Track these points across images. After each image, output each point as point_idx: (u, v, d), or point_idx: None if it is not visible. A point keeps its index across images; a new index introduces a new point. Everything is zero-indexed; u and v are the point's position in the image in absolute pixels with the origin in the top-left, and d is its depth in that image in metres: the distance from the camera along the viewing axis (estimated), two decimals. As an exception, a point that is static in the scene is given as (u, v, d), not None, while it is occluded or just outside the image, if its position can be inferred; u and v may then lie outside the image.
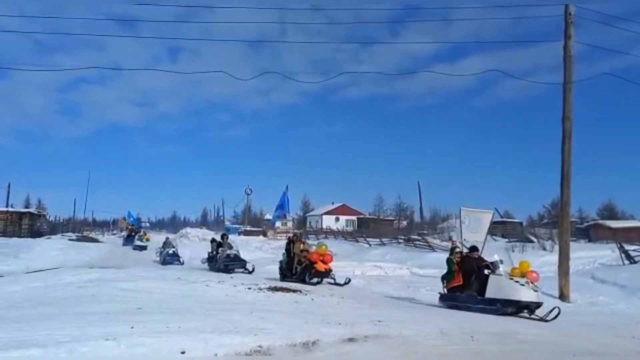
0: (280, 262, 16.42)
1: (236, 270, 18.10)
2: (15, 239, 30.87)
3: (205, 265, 20.04)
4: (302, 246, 15.80)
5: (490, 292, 10.59)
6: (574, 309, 12.44)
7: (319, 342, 5.63)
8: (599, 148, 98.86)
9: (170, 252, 25.72)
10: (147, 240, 36.06)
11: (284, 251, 16.59)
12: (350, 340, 5.90)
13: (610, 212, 54.54)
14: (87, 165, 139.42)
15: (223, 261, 18.52)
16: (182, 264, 24.21)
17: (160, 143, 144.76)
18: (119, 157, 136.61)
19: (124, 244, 38.92)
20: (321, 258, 14.61)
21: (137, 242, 35.68)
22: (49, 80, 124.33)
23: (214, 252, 19.66)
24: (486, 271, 11.08)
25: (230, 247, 19.25)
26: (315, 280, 14.60)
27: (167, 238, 31.32)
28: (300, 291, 11.51)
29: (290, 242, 16.41)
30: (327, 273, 14.65)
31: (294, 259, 15.52)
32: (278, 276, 15.84)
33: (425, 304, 12.27)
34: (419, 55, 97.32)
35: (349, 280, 15.28)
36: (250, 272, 17.83)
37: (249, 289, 11.19)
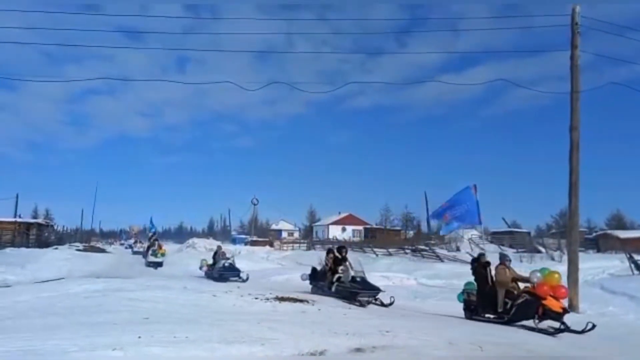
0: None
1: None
2: (23, 249, 31.00)
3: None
4: None
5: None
6: (583, 320, 12.25)
7: (327, 352, 5.60)
8: (607, 158, 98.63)
9: (227, 264, 20.39)
10: (163, 254, 30.16)
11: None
12: (358, 350, 5.86)
13: (618, 222, 54.26)
14: (94, 176, 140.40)
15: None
16: (245, 280, 19.34)
17: (167, 153, 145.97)
18: (126, 168, 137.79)
19: (144, 257, 32.67)
20: (552, 292, 9.96)
21: (151, 258, 29.25)
22: (58, 91, 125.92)
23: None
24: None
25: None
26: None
27: (220, 247, 25.06)
28: (307, 301, 11.45)
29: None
30: (562, 315, 9.79)
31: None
32: (285, 287, 15.80)
33: (433, 314, 12.17)
34: (426, 65, 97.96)
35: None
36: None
37: (256, 299, 11.15)
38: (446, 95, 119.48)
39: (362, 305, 12.54)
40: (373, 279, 20.51)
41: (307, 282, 15.59)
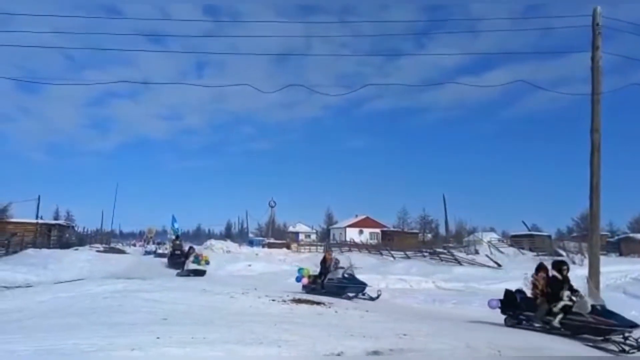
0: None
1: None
2: (44, 250, 31.41)
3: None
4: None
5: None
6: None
7: (343, 354, 5.58)
8: (630, 160, 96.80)
9: (346, 274, 16.02)
10: (207, 262, 24.76)
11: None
12: (375, 353, 5.82)
13: (641, 226, 53.26)
14: (114, 178, 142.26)
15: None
16: (375, 298, 15.31)
17: (185, 156, 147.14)
18: (146, 170, 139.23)
19: (169, 266, 29.02)
20: None
21: (193, 265, 23.50)
22: (79, 94, 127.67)
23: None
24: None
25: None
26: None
27: (329, 252, 20.56)
28: (323, 304, 11.45)
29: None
30: None
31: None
32: (300, 289, 15.92)
33: (452, 317, 12.07)
34: (445, 67, 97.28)
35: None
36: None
37: (273, 300, 11.18)
38: (465, 97, 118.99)
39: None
40: (390, 281, 20.51)
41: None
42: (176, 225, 41.53)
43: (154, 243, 52.25)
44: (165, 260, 32.93)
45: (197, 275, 22.44)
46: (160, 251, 40.93)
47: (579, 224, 50.79)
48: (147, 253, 44.42)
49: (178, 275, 23.26)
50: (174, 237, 38.37)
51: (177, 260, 27.77)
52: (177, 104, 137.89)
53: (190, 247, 28.20)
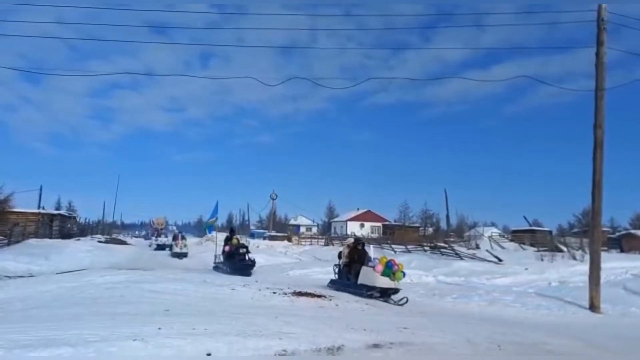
0: None
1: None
2: (46, 240, 31.52)
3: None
4: None
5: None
6: (604, 320, 12.14)
7: (344, 347, 5.61)
8: (632, 156, 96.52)
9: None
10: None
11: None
12: (375, 346, 5.86)
13: (642, 222, 53.20)
14: (116, 170, 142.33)
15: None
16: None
17: (188, 148, 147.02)
18: (148, 162, 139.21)
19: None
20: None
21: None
22: (82, 85, 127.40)
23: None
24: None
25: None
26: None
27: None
28: (324, 296, 11.49)
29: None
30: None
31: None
32: (302, 281, 15.89)
33: (452, 312, 12.11)
34: (450, 61, 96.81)
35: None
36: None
37: (274, 293, 11.22)
38: (469, 92, 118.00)
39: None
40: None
41: (323, 277, 16.73)
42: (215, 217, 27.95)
43: (165, 236, 46.63)
44: (181, 260, 28.59)
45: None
46: (178, 250, 31.52)
47: (581, 219, 50.75)
48: (159, 247, 39.27)
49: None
50: (209, 232, 29.23)
51: (243, 263, 19.51)
52: (180, 95, 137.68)
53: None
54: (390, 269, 12.52)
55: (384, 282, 12.52)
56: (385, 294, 12.61)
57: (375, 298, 12.42)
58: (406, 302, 12.22)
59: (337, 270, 14.75)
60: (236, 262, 19.49)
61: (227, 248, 20.56)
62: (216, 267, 20.78)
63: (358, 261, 13.77)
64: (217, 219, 28.76)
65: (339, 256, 14.93)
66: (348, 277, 13.84)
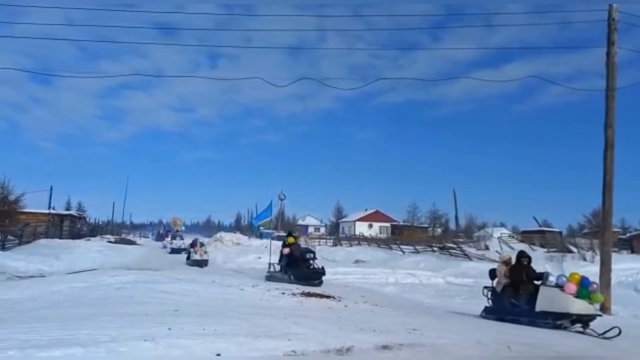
0: None
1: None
2: (56, 240, 31.75)
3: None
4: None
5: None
6: (615, 322, 11.98)
7: (353, 348, 5.60)
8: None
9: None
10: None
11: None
12: (385, 347, 5.85)
13: (654, 223, 52.70)
14: (125, 170, 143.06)
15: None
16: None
17: (196, 148, 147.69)
18: (157, 162, 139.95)
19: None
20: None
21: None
22: (92, 86, 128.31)
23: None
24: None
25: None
26: None
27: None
28: (333, 297, 11.50)
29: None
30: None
31: None
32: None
33: (461, 313, 12.07)
34: (460, 60, 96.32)
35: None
36: None
37: (283, 293, 11.25)
38: (479, 91, 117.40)
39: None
40: (400, 276, 20.53)
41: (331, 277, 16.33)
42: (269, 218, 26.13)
43: (181, 238, 39.95)
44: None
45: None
46: (198, 257, 26.57)
47: (591, 220, 50.39)
48: (174, 251, 34.46)
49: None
50: (262, 236, 27.49)
51: (311, 271, 16.72)
52: (189, 95, 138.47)
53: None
54: (586, 289, 9.67)
55: (581, 308, 9.61)
56: (580, 322, 9.75)
57: (565, 328, 9.64)
58: (618, 334, 8.81)
59: (490, 294, 11.53)
60: (302, 269, 16.52)
61: (286, 250, 17.32)
62: (271, 277, 17.07)
63: (528, 281, 10.82)
64: (271, 220, 27.64)
65: (492, 276, 11.70)
66: (513, 302, 10.83)
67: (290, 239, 17.93)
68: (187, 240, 33.38)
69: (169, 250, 36.10)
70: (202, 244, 27.92)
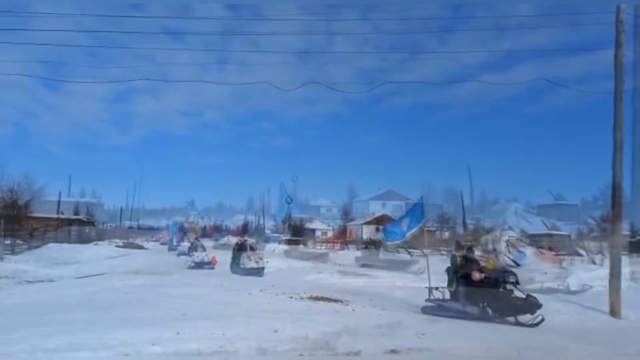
0: None
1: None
2: (65, 245, 31.87)
3: None
4: None
5: None
6: (625, 326, 11.93)
7: (361, 352, 5.60)
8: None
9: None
10: None
11: None
12: (393, 351, 5.84)
13: (664, 226, 52.24)
14: (133, 174, 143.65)
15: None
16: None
17: (204, 152, 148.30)
18: (166, 166, 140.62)
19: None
20: None
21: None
22: (101, 90, 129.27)
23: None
24: None
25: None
26: None
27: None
28: (341, 301, 11.47)
29: None
30: None
31: None
32: (318, 286, 15.75)
33: (471, 317, 11.98)
34: (468, 63, 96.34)
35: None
36: None
37: (291, 297, 11.24)
38: (487, 93, 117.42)
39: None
40: (408, 280, 20.42)
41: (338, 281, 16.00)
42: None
43: (203, 248, 27.72)
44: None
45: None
46: (253, 265, 21.14)
47: (600, 223, 50.02)
48: (197, 265, 24.40)
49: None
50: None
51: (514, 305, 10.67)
52: (197, 100, 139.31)
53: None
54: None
55: None
56: None
57: None
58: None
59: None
60: (500, 299, 10.71)
61: (477, 275, 10.97)
62: (436, 307, 11.70)
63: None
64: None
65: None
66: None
67: (491, 262, 12.24)
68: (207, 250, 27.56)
69: (192, 264, 25.14)
70: (252, 247, 22.23)
